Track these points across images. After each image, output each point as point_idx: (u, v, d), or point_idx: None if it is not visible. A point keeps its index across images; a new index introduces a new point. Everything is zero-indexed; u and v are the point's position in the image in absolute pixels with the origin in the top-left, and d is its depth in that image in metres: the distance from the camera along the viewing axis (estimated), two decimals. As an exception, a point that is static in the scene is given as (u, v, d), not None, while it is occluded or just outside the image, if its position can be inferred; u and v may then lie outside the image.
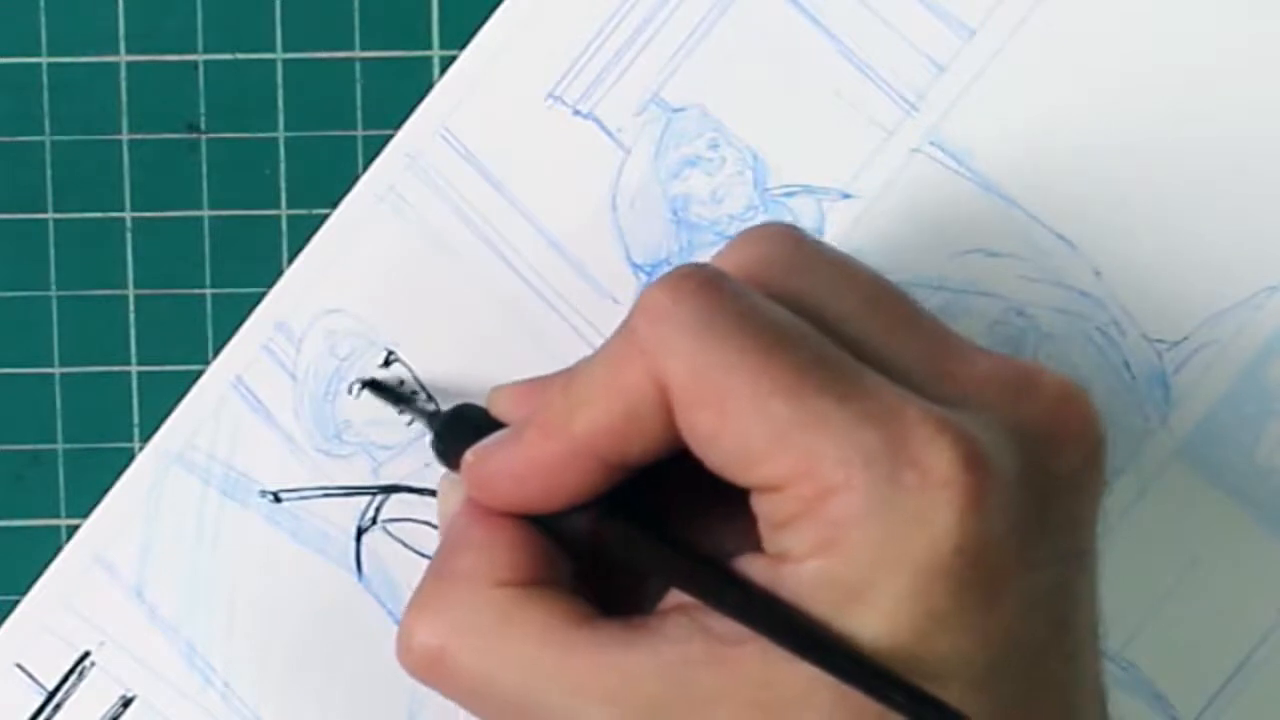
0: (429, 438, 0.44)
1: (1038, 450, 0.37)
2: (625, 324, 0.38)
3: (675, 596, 0.38)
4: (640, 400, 0.37)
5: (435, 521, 0.47)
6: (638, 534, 0.39)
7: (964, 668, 0.36)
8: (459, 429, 0.43)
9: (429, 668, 0.39)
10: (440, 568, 0.40)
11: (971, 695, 0.35)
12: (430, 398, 0.47)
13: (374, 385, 0.47)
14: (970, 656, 0.36)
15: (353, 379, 0.47)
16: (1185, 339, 0.47)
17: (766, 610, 0.36)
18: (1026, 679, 0.37)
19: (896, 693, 0.35)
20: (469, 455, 0.40)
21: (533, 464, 0.39)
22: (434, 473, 0.45)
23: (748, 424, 0.36)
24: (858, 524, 0.35)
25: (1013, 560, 0.36)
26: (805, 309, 0.38)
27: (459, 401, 0.44)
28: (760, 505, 0.37)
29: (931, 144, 0.46)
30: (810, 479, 0.36)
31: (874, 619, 0.36)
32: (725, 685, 0.36)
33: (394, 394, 0.47)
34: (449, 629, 0.39)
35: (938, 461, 0.36)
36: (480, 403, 0.44)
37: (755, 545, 0.38)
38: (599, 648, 0.37)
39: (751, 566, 0.37)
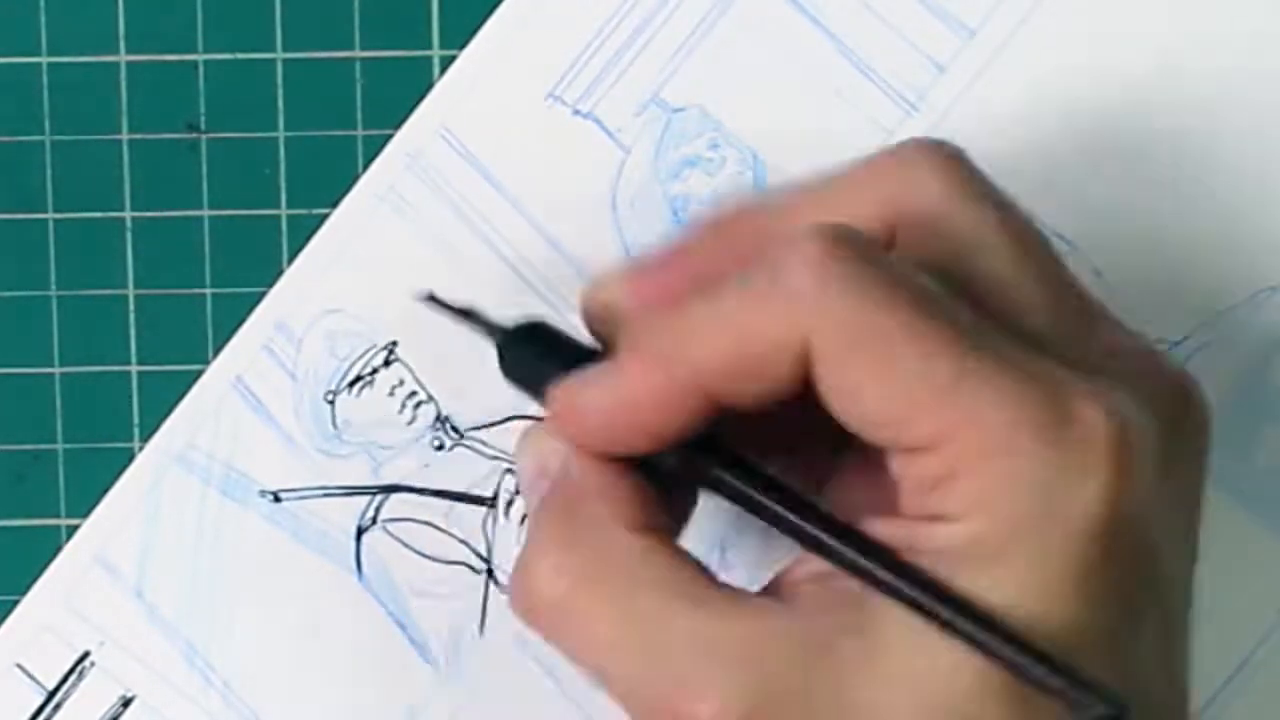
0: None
1: (1166, 428, 0.37)
2: (766, 265, 0.36)
3: (806, 563, 0.37)
4: (776, 344, 0.36)
5: (436, 522, 0.47)
6: (773, 494, 0.37)
7: (1094, 636, 0.36)
8: (530, 347, 0.41)
9: (554, 614, 0.37)
10: (563, 513, 0.38)
11: (1098, 664, 0.35)
12: (431, 398, 0.47)
13: (433, 299, 0.44)
14: (1101, 625, 0.36)
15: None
16: (1185, 339, 0.47)
17: (910, 580, 0.36)
18: (1145, 652, 0.37)
19: (1049, 676, 0.34)
20: (557, 390, 0.38)
21: (636, 398, 0.37)
22: (434, 473, 0.45)
23: (908, 378, 0.36)
24: (1016, 486, 0.35)
25: (1151, 535, 0.36)
26: (957, 255, 0.37)
27: (528, 319, 0.42)
28: (906, 464, 0.36)
29: (931, 144, 0.46)
30: (972, 438, 0.35)
31: (1016, 580, 0.35)
32: (862, 654, 0.36)
33: (453, 309, 0.44)
34: (579, 573, 0.37)
35: (1095, 430, 0.35)
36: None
37: (876, 508, 0.37)
38: (734, 609, 0.36)
39: (889, 529, 0.36)
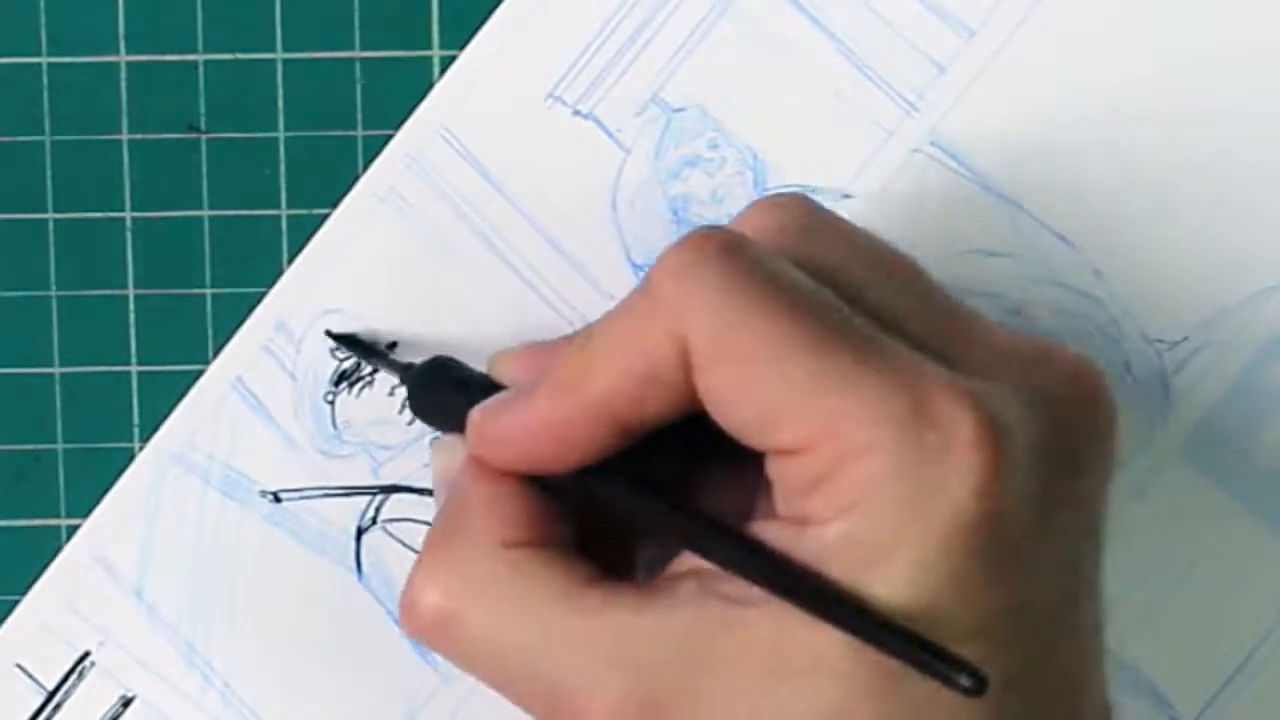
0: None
1: (1052, 422, 0.37)
2: (645, 282, 0.37)
3: (685, 561, 0.38)
4: (660, 359, 0.37)
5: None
6: (651, 497, 0.39)
7: (980, 632, 0.36)
8: (437, 383, 0.43)
9: (438, 629, 0.38)
10: (446, 528, 0.39)
11: (986, 658, 0.35)
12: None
13: (342, 338, 0.47)
14: (987, 621, 0.36)
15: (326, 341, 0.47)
16: (1185, 339, 0.47)
17: (784, 572, 0.36)
18: (1038, 647, 0.37)
19: (918, 651, 0.35)
20: (475, 413, 0.39)
21: (546, 423, 0.38)
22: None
23: (771, 384, 0.36)
24: (882, 486, 0.35)
25: (1031, 528, 0.36)
26: (821, 275, 0.38)
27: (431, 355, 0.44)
28: (779, 468, 0.37)
29: (931, 144, 0.46)
30: (834, 441, 0.36)
31: (895, 580, 0.35)
32: (738, 648, 0.36)
33: (363, 347, 0.46)
34: (459, 590, 0.38)
35: (961, 426, 0.35)
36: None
37: (763, 512, 0.38)
38: (612, 610, 0.37)
39: (766, 531, 0.37)
